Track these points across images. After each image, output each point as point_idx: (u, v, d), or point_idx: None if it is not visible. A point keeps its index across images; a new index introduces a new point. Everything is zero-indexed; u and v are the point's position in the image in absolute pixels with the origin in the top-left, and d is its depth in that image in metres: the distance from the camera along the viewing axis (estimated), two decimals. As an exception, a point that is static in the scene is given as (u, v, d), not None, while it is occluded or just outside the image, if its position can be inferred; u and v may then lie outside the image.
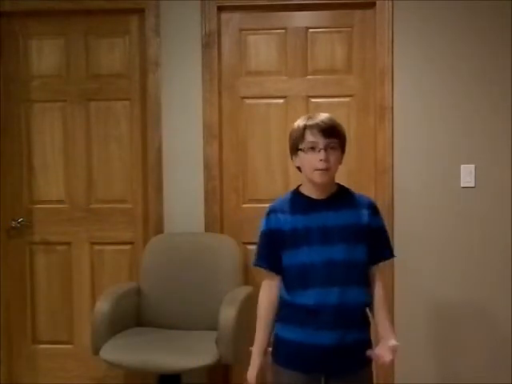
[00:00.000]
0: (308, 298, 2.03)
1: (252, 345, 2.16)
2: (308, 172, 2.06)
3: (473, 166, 3.30)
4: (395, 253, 2.18)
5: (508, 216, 3.30)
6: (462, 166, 3.31)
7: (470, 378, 3.32)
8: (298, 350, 2.07)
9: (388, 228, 3.27)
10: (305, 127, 2.05)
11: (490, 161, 3.31)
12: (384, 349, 2.02)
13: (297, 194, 2.14)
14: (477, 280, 3.33)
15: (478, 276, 3.33)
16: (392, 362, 2.03)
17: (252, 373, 2.13)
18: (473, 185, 3.31)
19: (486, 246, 3.32)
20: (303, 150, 2.05)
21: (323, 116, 2.09)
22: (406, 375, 3.35)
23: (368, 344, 2.10)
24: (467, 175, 3.30)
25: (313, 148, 2.03)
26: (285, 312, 2.12)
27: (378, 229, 2.12)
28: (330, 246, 2.03)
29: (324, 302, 2.02)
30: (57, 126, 3.58)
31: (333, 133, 2.06)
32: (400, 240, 3.32)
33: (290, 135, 2.12)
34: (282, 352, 2.12)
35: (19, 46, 3.56)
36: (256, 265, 2.18)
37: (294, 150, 2.09)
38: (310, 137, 2.04)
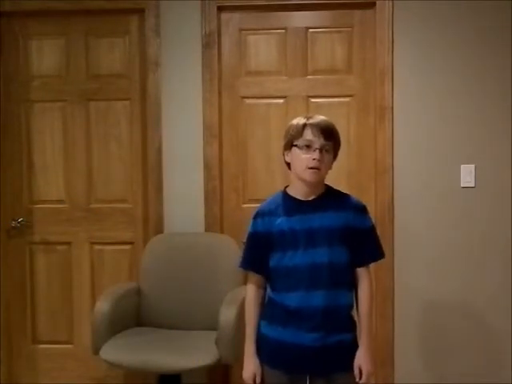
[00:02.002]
0: (291, 300, 2.06)
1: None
2: (299, 169, 2.08)
3: (473, 165, 3.30)
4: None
5: (508, 216, 3.30)
6: (462, 165, 3.31)
7: (470, 379, 3.32)
8: (280, 348, 2.09)
9: (388, 228, 3.31)
10: (304, 125, 2.07)
11: (490, 161, 3.31)
12: (359, 360, 2.08)
13: (284, 195, 2.15)
14: (477, 280, 3.33)
15: (477, 276, 3.33)
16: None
17: (249, 373, 2.13)
18: (473, 185, 3.31)
19: (485, 246, 3.32)
20: (298, 147, 2.06)
21: (322, 117, 2.12)
22: (405, 375, 3.35)
23: (353, 345, 2.11)
24: (467, 175, 3.30)
25: (308, 146, 2.05)
26: (269, 310, 2.14)
27: (364, 230, 2.12)
28: (315, 249, 2.04)
29: (307, 305, 2.04)
30: (57, 125, 3.58)
31: (330, 135, 2.08)
32: (400, 240, 3.32)
33: (287, 131, 2.13)
34: (264, 350, 2.14)
35: (19, 46, 3.56)
36: (241, 267, 2.21)
37: (289, 145, 2.10)
38: (308, 135, 2.05)
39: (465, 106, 3.31)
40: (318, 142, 2.04)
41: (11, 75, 3.57)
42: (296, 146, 2.07)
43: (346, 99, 3.41)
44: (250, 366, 2.13)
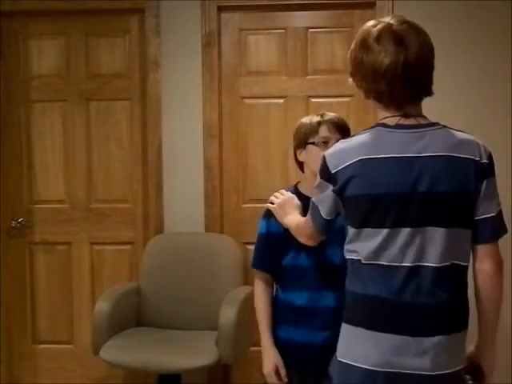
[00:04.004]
0: (302, 299, 2.05)
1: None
2: (317, 166, 2.06)
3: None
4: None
5: (508, 216, 3.29)
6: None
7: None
8: (292, 348, 2.08)
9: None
10: (319, 123, 2.08)
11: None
12: None
13: (296, 193, 2.13)
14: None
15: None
16: None
17: (270, 366, 2.07)
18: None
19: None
20: (315, 144, 2.06)
21: (334, 114, 2.14)
22: (406, 375, 3.35)
23: None
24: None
25: (325, 143, 2.04)
26: (278, 311, 2.13)
27: None
28: (328, 249, 2.02)
29: (318, 304, 2.03)
30: (57, 126, 3.58)
31: (345, 131, 2.09)
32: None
33: (299, 130, 2.12)
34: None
35: (19, 45, 3.56)
36: (255, 267, 2.19)
37: (303, 143, 2.10)
38: (324, 131, 2.06)
39: (464, 105, 3.31)
40: (335, 137, 2.03)
41: (11, 75, 3.57)
42: (312, 143, 2.07)
43: (346, 99, 3.40)
44: (271, 358, 2.07)
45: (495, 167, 1.81)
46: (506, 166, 3.30)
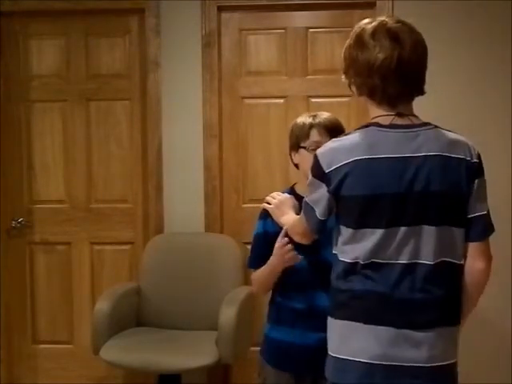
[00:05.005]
0: (298, 300, 2.05)
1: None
2: (308, 170, 2.06)
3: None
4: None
5: (508, 216, 3.30)
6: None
7: (469, 379, 3.31)
8: (287, 350, 2.08)
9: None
10: (311, 126, 2.05)
11: (489, 161, 3.28)
12: None
13: (292, 194, 2.13)
14: (477, 280, 3.33)
15: (477, 276, 3.33)
16: None
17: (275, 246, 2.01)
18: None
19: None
20: (306, 149, 2.05)
21: (327, 115, 2.10)
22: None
23: None
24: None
25: (317, 147, 2.03)
26: (275, 313, 2.13)
27: None
28: (322, 249, 2.01)
29: (313, 304, 2.03)
30: (57, 125, 3.58)
31: (337, 132, 2.06)
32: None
33: (292, 131, 2.11)
34: (271, 352, 2.13)
35: (19, 45, 3.56)
36: (252, 267, 2.19)
37: (296, 146, 2.09)
38: (315, 136, 2.04)
39: (464, 106, 3.31)
40: (326, 141, 2.02)
41: (11, 75, 3.57)
42: (303, 147, 2.05)
43: (346, 99, 3.39)
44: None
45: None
46: (506, 165, 3.30)
